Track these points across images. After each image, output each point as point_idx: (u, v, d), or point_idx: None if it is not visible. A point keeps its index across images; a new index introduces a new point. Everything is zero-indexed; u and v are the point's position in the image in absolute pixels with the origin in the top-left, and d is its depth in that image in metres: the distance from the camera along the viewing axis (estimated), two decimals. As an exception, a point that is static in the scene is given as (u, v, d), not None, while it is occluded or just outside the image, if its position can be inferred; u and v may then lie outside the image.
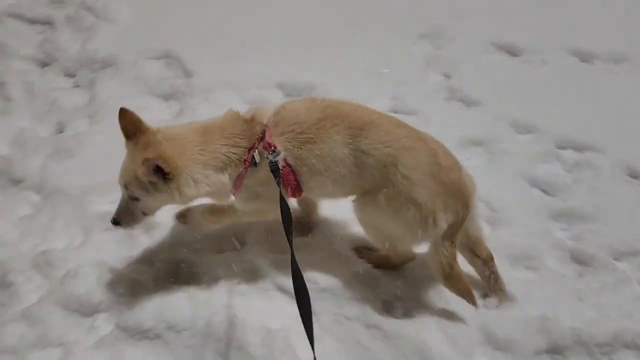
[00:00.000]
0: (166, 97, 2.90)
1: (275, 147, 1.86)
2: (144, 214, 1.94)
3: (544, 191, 2.48)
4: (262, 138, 1.88)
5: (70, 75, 3.00)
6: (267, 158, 1.86)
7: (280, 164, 1.86)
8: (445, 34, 3.23)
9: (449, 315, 1.99)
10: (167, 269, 2.17)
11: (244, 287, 2.08)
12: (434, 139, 1.98)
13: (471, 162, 2.58)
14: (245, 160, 1.88)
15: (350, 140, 1.88)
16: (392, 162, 1.84)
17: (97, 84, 2.90)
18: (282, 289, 2.08)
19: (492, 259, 2.04)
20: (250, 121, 1.91)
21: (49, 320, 1.98)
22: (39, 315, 1.98)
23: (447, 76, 3.00)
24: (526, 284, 2.08)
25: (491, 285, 2.03)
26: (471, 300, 1.94)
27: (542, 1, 3.49)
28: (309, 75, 2.92)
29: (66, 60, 3.03)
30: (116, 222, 1.92)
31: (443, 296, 2.03)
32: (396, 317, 2.01)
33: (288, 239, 1.74)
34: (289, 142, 1.89)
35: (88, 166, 2.50)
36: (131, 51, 3.06)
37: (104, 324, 2.01)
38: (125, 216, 1.92)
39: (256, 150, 1.88)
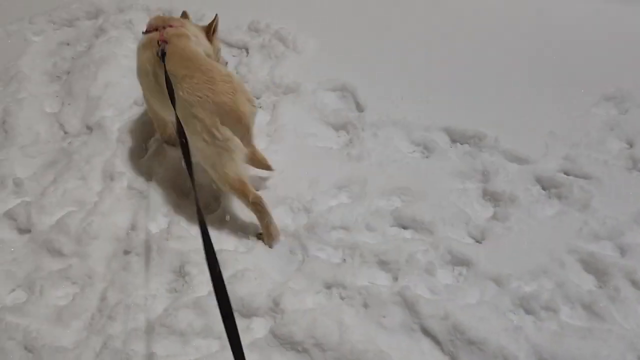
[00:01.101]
0: (337, 127, 3.09)
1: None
2: None
3: None
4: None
5: (257, 96, 3.32)
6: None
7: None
8: (635, 98, 3.02)
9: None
10: (320, 289, 2.30)
11: (390, 322, 2.13)
12: (219, 69, 2.44)
13: (646, 242, 2.39)
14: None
15: (153, 66, 2.52)
16: (178, 85, 2.34)
17: (278, 107, 3.18)
18: (427, 332, 2.09)
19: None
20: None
21: (213, 314, 2.19)
22: (206, 307, 2.21)
23: (630, 144, 2.80)
24: None
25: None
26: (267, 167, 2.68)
27: None
28: (478, 124, 2.91)
29: (255, 82, 3.36)
30: None
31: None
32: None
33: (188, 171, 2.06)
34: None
35: (262, 182, 2.75)
36: (312, 81, 3.31)
37: (259, 327, 2.18)
38: None
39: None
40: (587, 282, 2.26)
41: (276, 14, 3.88)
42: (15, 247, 2.54)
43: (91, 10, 4.09)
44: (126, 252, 2.48)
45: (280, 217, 2.61)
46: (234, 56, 3.70)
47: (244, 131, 2.44)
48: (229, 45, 3.75)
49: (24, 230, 2.60)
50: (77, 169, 2.87)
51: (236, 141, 2.40)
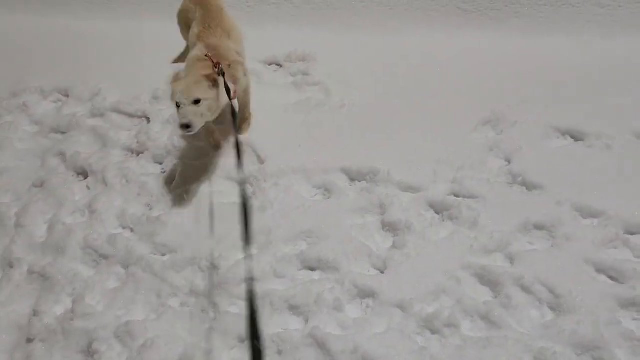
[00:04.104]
0: (241, 182, 3.15)
1: None
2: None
3: (612, 278, 2.41)
4: None
5: (159, 162, 3.36)
6: None
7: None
8: (508, 119, 3.31)
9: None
10: (234, 344, 2.31)
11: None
12: None
13: (533, 247, 2.59)
14: None
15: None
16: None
17: (180, 169, 3.23)
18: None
19: None
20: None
21: (125, 389, 2.15)
22: (117, 382, 2.16)
23: (508, 160, 3.05)
24: (592, 376, 2.00)
25: None
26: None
27: (606, 86, 3.52)
28: (371, 161, 3.08)
29: (156, 149, 3.40)
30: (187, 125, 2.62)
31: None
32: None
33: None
34: None
35: (169, 245, 2.75)
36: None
37: (173, 394, 2.15)
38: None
39: None
40: (483, 294, 2.40)
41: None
42: None
43: (-18, 98, 4.02)
44: (29, 340, 2.39)
45: (189, 278, 2.62)
46: (135, 126, 3.73)
47: None
48: (129, 115, 3.78)
49: None
50: (-27, 262, 2.76)
51: None
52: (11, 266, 2.72)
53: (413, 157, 3.08)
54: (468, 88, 3.58)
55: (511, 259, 2.53)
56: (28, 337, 2.40)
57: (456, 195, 2.88)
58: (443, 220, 2.77)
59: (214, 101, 2.72)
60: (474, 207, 2.77)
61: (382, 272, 2.55)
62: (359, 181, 3.05)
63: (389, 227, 2.76)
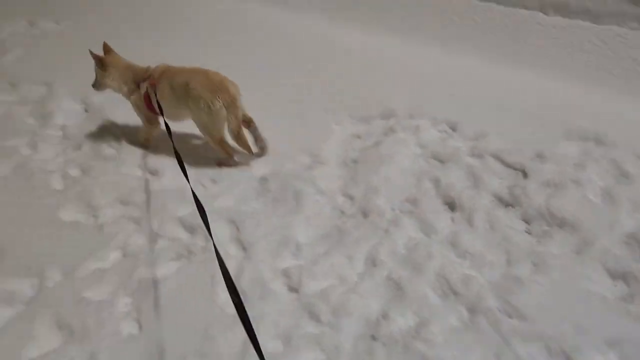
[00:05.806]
0: (614, 275, 2.81)
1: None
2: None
3: None
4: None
5: (527, 221, 3.25)
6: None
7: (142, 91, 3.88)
8: None
9: None
10: None
11: None
12: (212, 71, 3.66)
13: None
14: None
15: (169, 82, 3.71)
16: (186, 83, 3.60)
17: (550, 238, 3.05)
18: None
19: (252, 121, 3.90)
20: (146, 70, 3.91)
21: None
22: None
23: None
24: None
25: (256, 141, 3.94)
26: (249, 150, 3.91)
27: None
28: None
29: (528, 207, 3.30)
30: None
31: None
32: None
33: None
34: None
35: (520, 309, 2.61)
36: (595, 220, 3.09)
37: None
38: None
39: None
40: None
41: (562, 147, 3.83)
42: (283, 301, 2.88)
43: (385, 112, 4.61)
44: (373, 338, 2.59)
45: (533, 354, 2.44)
46: (509, 176, 3.71)
47: (232, 100, 3.58)
48: (507, 165, 3.79)
49: (293, 289, 2.94)
50: (345, 248, 3.17)
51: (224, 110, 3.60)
52: (374, 265, 3.02)
53: None
54: None
55: None
56: (373, 334, 2.61)
57: None
58: None
59: (102, 78, 3.94)
60: None
61: None
62: None
63: None
